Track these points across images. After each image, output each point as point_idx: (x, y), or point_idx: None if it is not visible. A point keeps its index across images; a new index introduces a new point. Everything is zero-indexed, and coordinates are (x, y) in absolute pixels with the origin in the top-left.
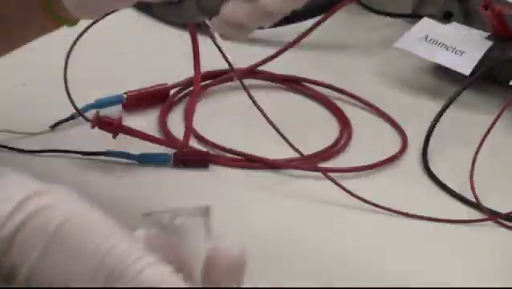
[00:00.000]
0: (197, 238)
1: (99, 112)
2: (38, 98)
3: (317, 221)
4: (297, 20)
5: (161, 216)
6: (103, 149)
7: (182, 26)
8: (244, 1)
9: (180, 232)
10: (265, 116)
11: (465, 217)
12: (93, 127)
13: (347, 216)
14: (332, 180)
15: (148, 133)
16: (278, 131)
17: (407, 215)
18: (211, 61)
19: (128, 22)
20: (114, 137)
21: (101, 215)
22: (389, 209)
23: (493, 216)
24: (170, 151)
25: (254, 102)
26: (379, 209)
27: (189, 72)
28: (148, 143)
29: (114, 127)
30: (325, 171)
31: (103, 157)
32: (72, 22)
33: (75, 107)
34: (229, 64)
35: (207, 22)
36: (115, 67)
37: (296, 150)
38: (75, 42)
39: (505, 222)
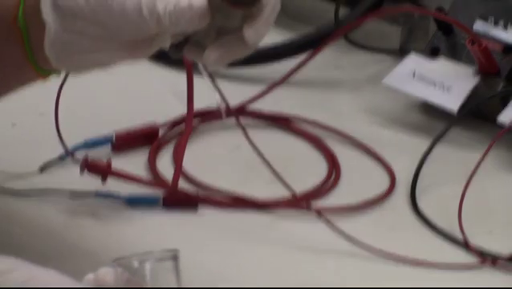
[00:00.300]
0: (166, 280)
1: (88, 152)
2: (27, 138)
3: (307, 261)
4: (285, 57)
5: (131, 261)
6: (92, 190)
7: (169, 64)
8: (223, 46)
9: (150, 276)
10: (259, 154)
11: (454, 257)
12: (82, 171)
13: (337, 256)
14: (324, 219)
15: (137, 175)
16: (272, 169)
17: (398, 259)
18: (200, 99)
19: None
20: (103, 180)
21: (57, 273)
22: (380, 252)
23: (493, 259)
24: (160, 191)
25: (250, 140)
26: (369, 251)
27: (178, 110)
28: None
29: (103, 170)
30: (314, 210)
31: (92, 198)
32: (58, 72)
33: (66, 150)
34: (225, 101)
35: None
36: (104, 106)
37: (289, 189)
38: (63, 82)
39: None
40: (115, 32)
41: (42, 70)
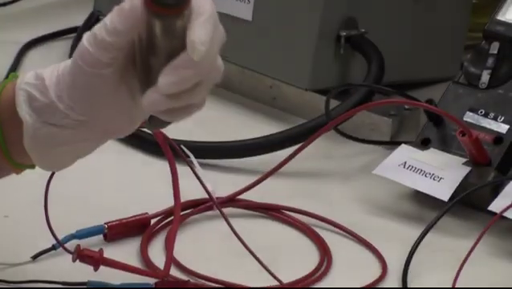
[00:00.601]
0: None
1: (81, 241)
2: (20, 228)
3: None
4: (276, 149)
5: None
6: (84, 279)
7: (161, 155)
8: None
9: None
10: (244, 244)
11: None
12: (74, 260)
13: None
14: None
15: (129, 264)
16: (257, 259)
17: None
18: (193, 188)
19: (106, 152)
20: (95, 270)
21: None
22: None
23: None
24: (152, 279)
25: (234, 231)
26: None
27: (170, 200)
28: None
29: (95, 260)
30: None
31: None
32: (33, 166)
33: (57, 240)
34: (208, 194)
35: (187, 151)
36: (96, 196)
37: (276, 278)
38: (53, 173)
39: None
40: (85, 102)
41: (17, 164)
